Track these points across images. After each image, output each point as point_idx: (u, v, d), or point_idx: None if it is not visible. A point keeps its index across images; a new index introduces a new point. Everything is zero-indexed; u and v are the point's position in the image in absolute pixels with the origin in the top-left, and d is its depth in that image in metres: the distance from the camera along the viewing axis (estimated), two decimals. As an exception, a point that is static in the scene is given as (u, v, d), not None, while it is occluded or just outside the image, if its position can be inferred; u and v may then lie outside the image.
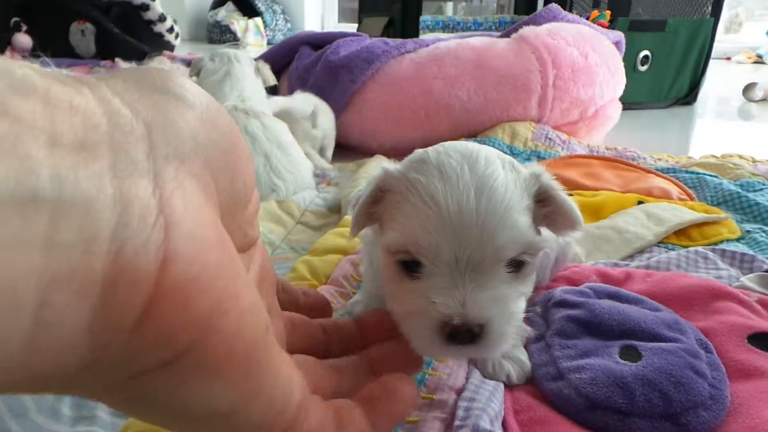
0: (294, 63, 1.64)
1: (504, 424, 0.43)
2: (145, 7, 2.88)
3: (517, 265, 0.39)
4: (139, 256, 0.19)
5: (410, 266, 0.39)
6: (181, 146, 0.22)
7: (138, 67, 1.33)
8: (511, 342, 0.39)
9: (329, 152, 1.35)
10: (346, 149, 1.41)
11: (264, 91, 1.18)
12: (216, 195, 0.24)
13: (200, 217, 0.22)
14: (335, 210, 0.96)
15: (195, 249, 0.21)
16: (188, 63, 1.60)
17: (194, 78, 1.19)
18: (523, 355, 0.50)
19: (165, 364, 0.21)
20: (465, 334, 0.36)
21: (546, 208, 0.42)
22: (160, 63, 1.29)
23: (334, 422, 0.29)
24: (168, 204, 0.20)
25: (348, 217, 0.84)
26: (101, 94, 0.21)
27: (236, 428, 0.24)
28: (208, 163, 0.24)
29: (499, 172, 0.39)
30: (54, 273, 0.17)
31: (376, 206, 0.43)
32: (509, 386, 0.48)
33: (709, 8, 2.15)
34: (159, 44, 2.95)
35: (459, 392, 0.45)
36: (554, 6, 1.66)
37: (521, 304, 0.40)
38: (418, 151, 0.43)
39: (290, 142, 1.05)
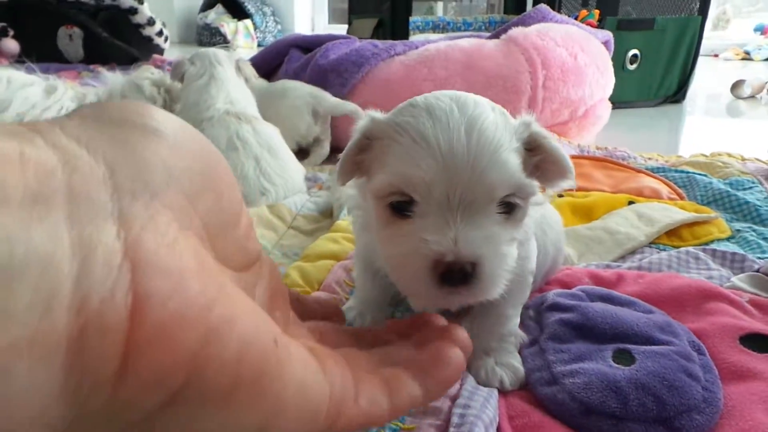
0: (284, 66, 1.64)
1: (499, 430, 0.43)
2: (134, 11, 2.86)
3: (508, 208, 0.39)
4: (105, 304, 0.18)
5: (401, 208, 0.39)
6: (150, 179, 0.21)
7: (125, 73, 1.32)
8: (503, 285, 0.39)
9: (326, 145, 1.35)
10: (338, 152, 1.40)
11: (249, 92, 1.17)
12: (198, 221, 0.24)
13: (176, 250, 0.21)
14: (327, 214, 0.95)
15: (172, 284, 0.20)
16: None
17: (178, 84, 1.18)
18: (517, 361, 0.50)
19: (164, 405, 0.20)
20: (457, 274, 0.36)
21: (536, 157, 0.42)
22: (146, 71, 1.27)
23: (384, 391, 0.29)
24: (136, 243, 0.19)
25: (340, 222, 0.84)
26: (55, 140, 0.20)
27: None
28: (186, 190, 0.23)
29: (488, 113, 0.40)
30: (11, 341, 0.16)
31: (363, 155, 0.43)
32: (503, 392, 0.48)
33: (697, 5, 2.16)
34: (148, 48, 2.93)
35: (453, 399, 0.45)
36: (543, 6, 1.67)
37: (513, 250, 0.40)
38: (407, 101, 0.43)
39: (281, 146, 1.05)
